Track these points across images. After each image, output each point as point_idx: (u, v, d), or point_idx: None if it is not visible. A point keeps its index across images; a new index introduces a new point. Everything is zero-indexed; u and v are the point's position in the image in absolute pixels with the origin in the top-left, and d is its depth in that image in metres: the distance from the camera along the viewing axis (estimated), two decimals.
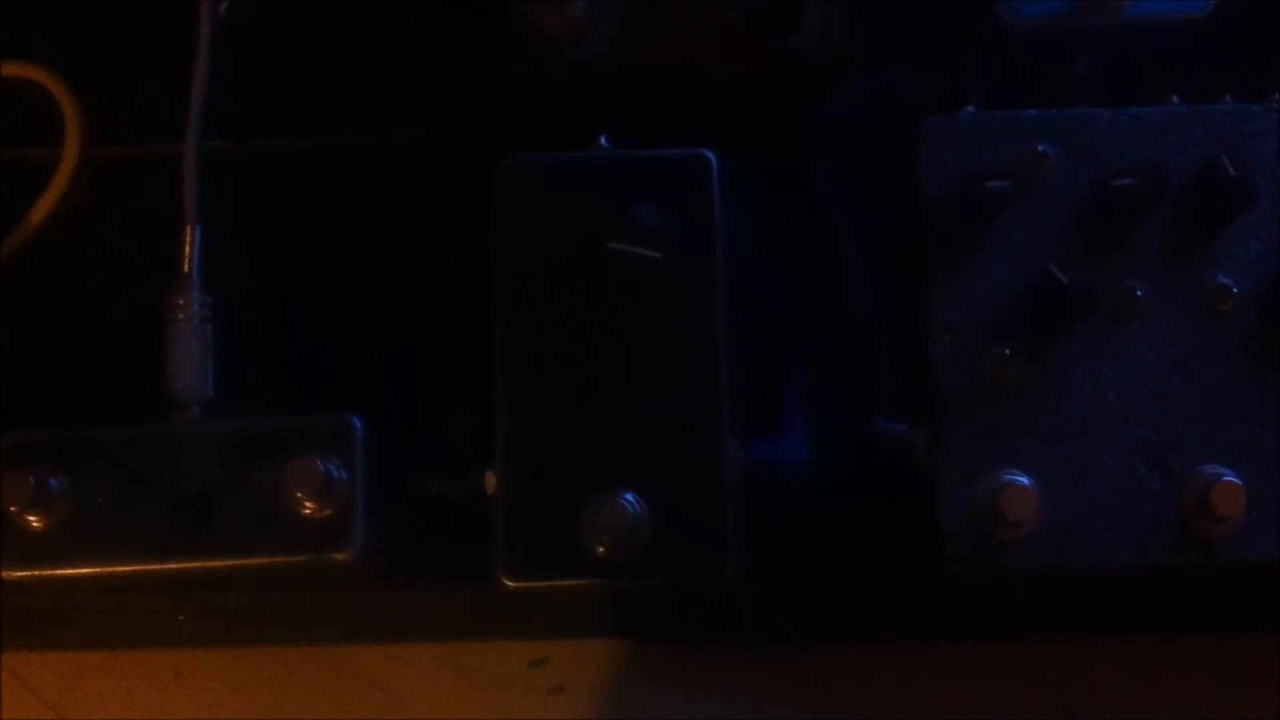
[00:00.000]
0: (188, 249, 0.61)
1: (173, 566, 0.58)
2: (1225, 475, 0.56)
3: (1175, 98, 0.60)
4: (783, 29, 0.62)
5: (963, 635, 0.64)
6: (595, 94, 0.64)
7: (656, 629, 0.64)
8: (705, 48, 0.63)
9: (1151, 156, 0.59)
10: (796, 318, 0.64)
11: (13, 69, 0.65)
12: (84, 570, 0.58)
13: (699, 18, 0.63)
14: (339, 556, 0.58)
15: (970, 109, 0.60)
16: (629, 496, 0.57)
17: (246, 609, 0.63)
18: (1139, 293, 0.58)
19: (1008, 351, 0.58)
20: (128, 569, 0.58)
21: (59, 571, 0.58)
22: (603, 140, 0.61)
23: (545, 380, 0.59)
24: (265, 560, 0.58)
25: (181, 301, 0.61)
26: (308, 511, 0.58)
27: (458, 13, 0.65)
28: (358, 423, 0.59)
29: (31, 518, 0.58)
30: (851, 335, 0.64)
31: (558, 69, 0.63)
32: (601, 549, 0.57)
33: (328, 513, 0.58)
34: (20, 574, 0.58)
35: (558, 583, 0.58)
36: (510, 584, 0.58)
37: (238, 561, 0.58)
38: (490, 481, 0.59)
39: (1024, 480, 0.57)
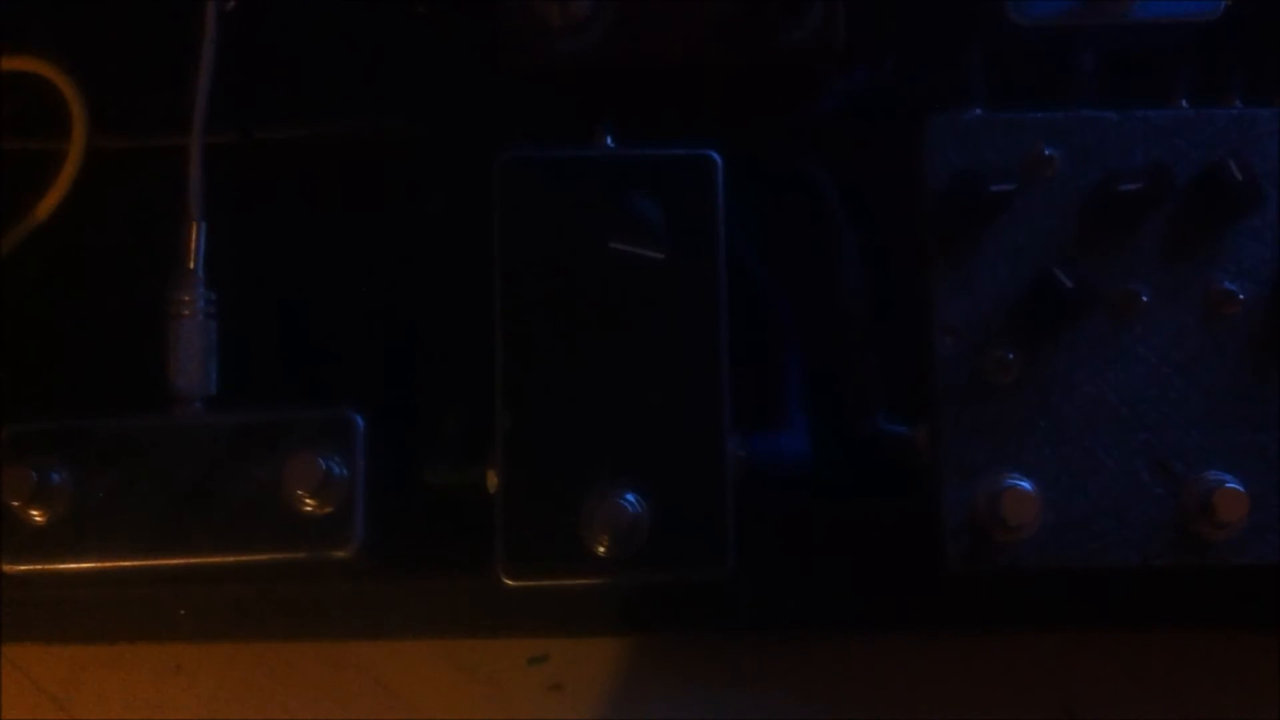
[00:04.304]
0: (192, 245, 0.61)
1: (173, 561, 0.58)
2: (1228, 480, 0.56)
3: (1183, 100, 0.60)
4: (783, 22, 0.62)
5: (963, 632, 0.64)
6: (593, 86, 0.63)
7: (656, 626, 0.64)
8: (704, 40, 0.63)
9: (1157, 159, 0.59)
10: (796, 313, 0.64)
11: (18, 62, 0.65)
12: (85, 564, 0.58)
13: (698, 10, 0.62)
14: (339, 553, 0.58)
15: (977, 110, 0.60)
16: (629, 495, 0.57)
17: (247, 603, 0.63)
18: (1142, 295, 0.58)
19: (1010, 354, 0.58)
20: (128, 563, 0.58)
21: (60, 565, 0.58)
22: (609, 140, 0.60)
23: (546, 377, 0.59)
24: (265, 556, 0.58)
25: (186, 298, 0.60)
26: (308, 508, 0.58)
27: (459, 5, 0.65)
28: (358, 419, 0.59)
29: (33, 511, 0.58)
30: (850, 331, 0.64)
31: (556, 61, 0.63)
32: (601, 547, 0.57)
33: (328, 509, 0.58)
34: (21, 567, 0.59)
35: (557, 580, 0.58)
36: (510, 581, 0.58)
37: (238, 557, 0.58)
38: (490, 479, 0.59)
39: (1025, 484, 0.57)
